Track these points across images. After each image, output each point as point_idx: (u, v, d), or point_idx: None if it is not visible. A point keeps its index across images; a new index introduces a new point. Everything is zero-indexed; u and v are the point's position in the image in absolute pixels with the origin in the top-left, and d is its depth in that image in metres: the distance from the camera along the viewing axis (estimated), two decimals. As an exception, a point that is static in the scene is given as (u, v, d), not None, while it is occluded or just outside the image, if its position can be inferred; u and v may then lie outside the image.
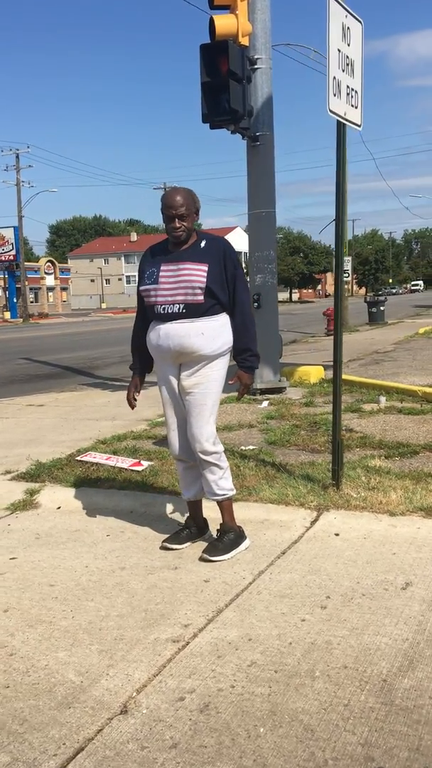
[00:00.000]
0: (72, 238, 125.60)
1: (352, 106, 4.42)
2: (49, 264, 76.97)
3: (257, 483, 4.78)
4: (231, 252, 3.73)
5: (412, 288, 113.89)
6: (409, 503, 4.22)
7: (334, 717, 2.27)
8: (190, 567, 3.62)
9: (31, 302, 65.01)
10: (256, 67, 8.57)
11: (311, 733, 2.19)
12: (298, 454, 5.68)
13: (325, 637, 2.80)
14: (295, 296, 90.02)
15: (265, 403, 8.15)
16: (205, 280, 3.57)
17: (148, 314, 3.76)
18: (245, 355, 3.78)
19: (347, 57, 4.33)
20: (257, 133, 8.63)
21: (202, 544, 3.92)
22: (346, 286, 24.13)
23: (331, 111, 4.16)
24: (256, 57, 8.58)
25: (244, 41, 8.15)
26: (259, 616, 3.02)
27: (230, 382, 3.80)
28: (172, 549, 3.85)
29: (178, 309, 3.58)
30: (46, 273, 75.18)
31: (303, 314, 40.73)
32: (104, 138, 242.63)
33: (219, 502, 3.80)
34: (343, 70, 4.28)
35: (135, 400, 4.04)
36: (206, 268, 3.59)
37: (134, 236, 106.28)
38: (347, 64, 4.33)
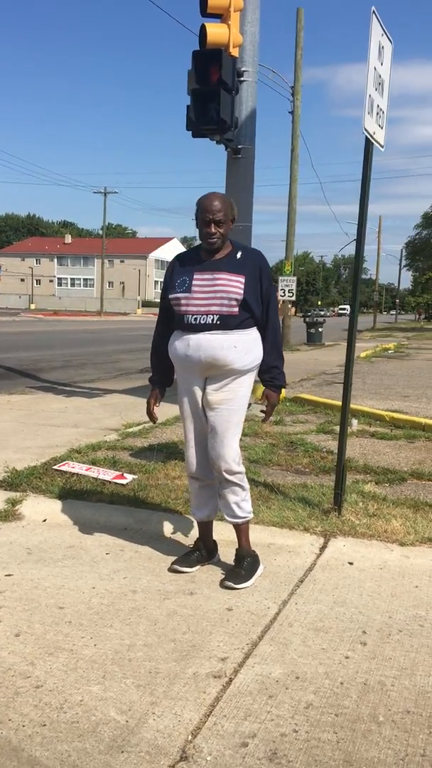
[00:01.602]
0: (3, 234, 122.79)
1: (380, 126, 4.36)
2: (-22, 259, 74.88)
3: (254, 504, 4.57)
4: (266, 266, 3.59)
5: (340, 312, 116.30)
6: (417, 534, 4.15)
7: (415, 769, 2.13)
8: (207, 593, 3.42)
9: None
10: (242, 79, 8.48)
11: (398, 788, 2.04)
12: (285, 475, 5.55)
13: (375, 677, 2.66)
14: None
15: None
16: (242, 292, 3.40)
17: (174, 323, 3.56)
18: (274, 373, 3.63)
19: (380, 76, 4.27)
20: (239, 146, 8.53)
21: (212, 568, 3.74)
22: (290, 306, 24.33)
23: (365, 129, 4.09)
24: (243, 69, 8.49)
25: (234, 52, 8.05)
26: (298, 651, 2.85)
27: (258, 401, 3.64)
28: (182, 572, 3.64)
29: (212, 320, 3.40)
30: (-26, 268, 73.13)
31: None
32: (45, 136, 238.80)
33: (237, 525, 3.62)
34: (376, 89, 4.22)
35: (155, 414, 3.81)
36: (243, 280, 3.43)
37: (68, 238, 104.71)
38: (379, 84, 4.28)
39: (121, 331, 32.38)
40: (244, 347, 3.45)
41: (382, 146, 4.47)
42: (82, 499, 4.72)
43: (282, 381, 3.67)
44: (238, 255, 3.52)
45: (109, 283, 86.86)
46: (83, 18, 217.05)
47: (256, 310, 3.47)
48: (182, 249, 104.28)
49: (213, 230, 3.43)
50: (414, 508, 4.66)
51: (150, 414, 3.81)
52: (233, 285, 3.40)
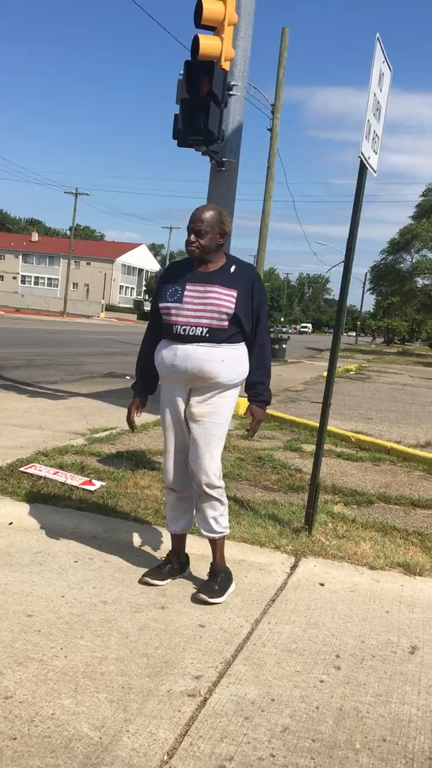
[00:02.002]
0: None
1: (374, 151, 4.40)
2: None
3: (224, 519, 4.58)
4: (259, 281, 3.57)
5: (301, 330, 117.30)
6: (386, 558, 4.16)
7: (394, 799, 2.11)
8: (179, 607, 3.37)
9: None
10: (231, 93, 8.50)
11: None
12: (254, 491, 5.53)
13: (351, 703, 2.64)
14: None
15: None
16: (233, 306, 3.38)
17: (162, 332, 3.52)
18: (260, 389, 3.61)
19: (378, 102, 4.31)
20: (224, 159, 8.55)
21: (183, 582, 3.69)
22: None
23: (361, 153, 4.12)
24: (232, 83, 8.51)
25: (226, 66, 8.08)
26: (273, 672, 2.82)
27: (243, 415, 3.61)
28: (153, 584, 3.58)
29: (201, 332, 3.37)
30: None
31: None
32: (23, 133, 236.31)
33: (213, 540, 3.58)
34: (374, 115, 4.26)
35: (135, 423, 3.76)
36: (235, 294, 3.40)
37: (35, 236, 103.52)
38: (377, 110, 4.32)
39: (85, 333, 32.10)
40: (231, 362, 3.43)
41: (375, 171, 4.51)
42: (50, 504, 4.63)
43: (267, 397, 3.64)
44: (232, 269, 3.50)
45: (74, 284, 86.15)
46: (71, 15, 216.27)
47: (245, 326, 3.45)
48: (150, 256, 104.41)
49: (192, 239, 3.42)
50: (382, 531, 4.68)
51: (130, 422, 3.76)
52: (225, 299, 3.38)
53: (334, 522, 4.76)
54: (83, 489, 5.00)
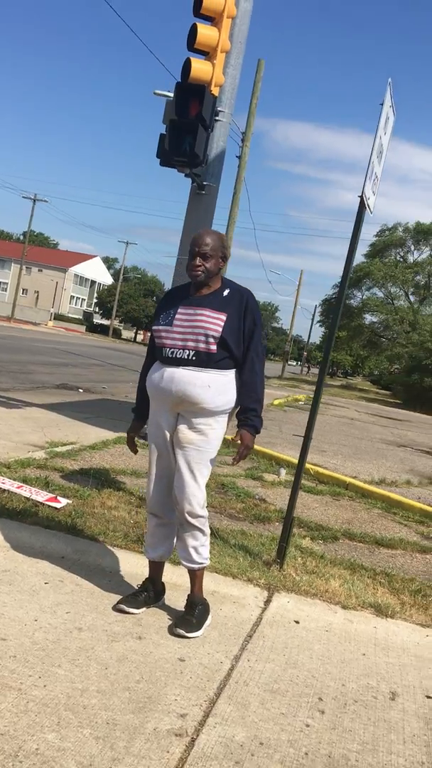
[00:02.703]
0: None
1: (373, 192, 4.45)
2: None
3: (195, 546, 4.50)
4: (253, 305, 3.52)
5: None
6: (357, 598, 4.15)
7: None
8: (156, 639, 3.27)
9: None
10: (218, 119, 8.55)
11: None
12: (220, 518, 5.47)
13: (339, 750, 2.59)
14: (140, 337, 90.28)
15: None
16: (220, 330, 3.33)
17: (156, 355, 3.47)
18: (250, 415, 3.54)
19: (381, 145, 4.37)
20: (205, 183, 8.57)
21: (158, 611, 3.59)
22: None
23: (363, 194, 4.16)
24: (219, 110, 8.56)
25: (215, 91, 8.13)
26: (258, 714, 2.75)
27: (231, 439, 3.54)
28: (129, 613, 3.47)
29: (188, 355, 3.32)
30: None
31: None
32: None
33: (192, 571, 3.50)
34: (377, 157, 4.32)
35: (136, 447, 3.69)
36: (224, 318, 3.35)
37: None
38: (380, 152, 4.38)
39: (35, 341, 31.58)
40: (218, 387, 3.36)
41: (371, 211, 4.56)
42: (16, 520, 4.47)
43: (258, 423, 3.57)
44: (225, 292, 3.46)
45: (24, 290, 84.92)
46: (45, 19, 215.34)
47: (235, 350, 3.38)
48: (104, 269, 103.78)
49: (198, 263, 3.38)
50: (350, 569, 4.68)
51: (131, 445, 3.69)
52: (212, 322, 3.33)
53: (303, 557, 4.73)
54: (49, 506, 4.85)
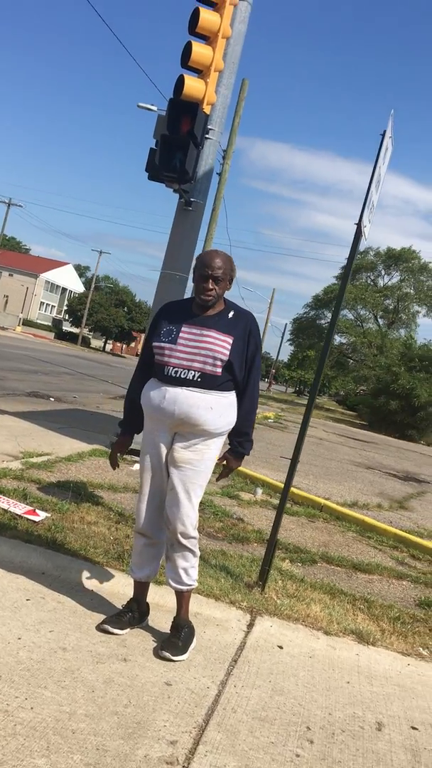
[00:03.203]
0: None
1: (369, 220, 4.49)
2: None
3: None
4: (256, 330, 3.54)
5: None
6: (339, 624, 4.14)
7: None
8: (142, 661, 3.22)
9: None
10: (207, 137, 8.59)
11: None
12: (199, 538, 5.41)
13: (330, 781, 2.57)
14: (109, 347, 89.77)
15: (137, 466, 7.79)
16: (228, 353, 3.32)
17: (153, 372, 3.42)
18: (242, 440, 3.56)
19: (379, 174, 4.42)
20: (192, 199, 8.58)
21: (142, 632, 3.54)
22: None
23: (360, 221, 4.20)
24: (209, 128, 8.60)
25: (207, 109, 8.17)
26: (248, 742, 2.72)
27: (218, 461, 3.52)
28: (113, 633, 3.41)
29: (193, 376, 3.29)
30: None
31: (126, 368, 40.51)
32: None
33: (180, 593, 3.46)
34: (375, 186, 4.36)
35: (118, 462, 3.61)
36: (231, 341, 3.35)
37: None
38: (378, 181, 4.42)
39: (4, 347, 31.17)
40: (219, 410, 3.35)
41: (366, 239, 4.61)
42: (-5, 532, 4.38)
43: (247, 449, 3.60)
44: (230, 314, 3.45)
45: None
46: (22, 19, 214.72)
47: (238, 374, 3.39)
48: (76, 277, 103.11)
49: (210, 286, 3.35)
50: (330, 594, 4.67)
51: (114, 461, 3.61)
52: (220, 344, 3.32)
53: (283, 579, 4.72)
54: (27, 519, 4.77)
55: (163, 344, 3.35)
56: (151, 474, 3.45)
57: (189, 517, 3.35)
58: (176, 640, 3.37)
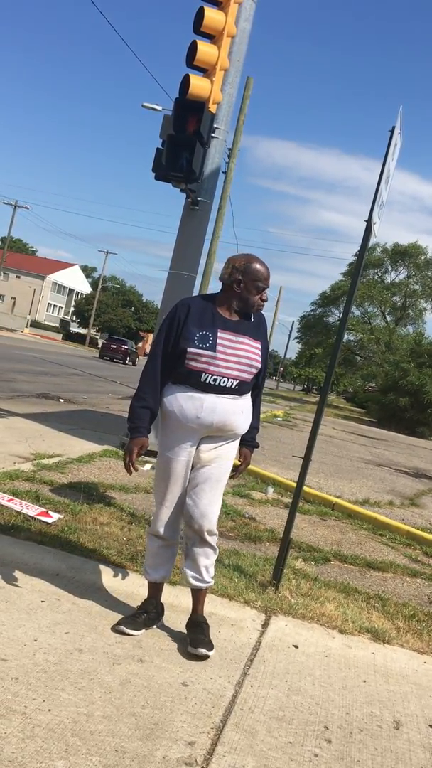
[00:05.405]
0: None
1: (379, 217, 4.47)
2: None
3: (189, 566, 4.45)
4: (266, 330, 3.58)
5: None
6: (354, 623, 4.12)
7: None
8: (158, 662, 3.22)
9: None
10: (214, 136, 8.58)
11: None
12: (211, 538, 5.42)
13: (349, 781, 2.56)
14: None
15: (148, 467, 7.80)
16: (261, 360, 3.40)
17: (179, 377, 3.30)
18: (254, 434, 3.68)
19: (389, 171, 4.40)
20: (199, 199, 8.57)
21: (157, 632, 3.53)
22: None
23: (369, 218, 4.18)
24: (216, 127, 8.59)
25: (213, 108, 8.16)
26: (266, 742, 2.71)
27: (237, 461, 3.59)
28: (128, 634, 3.41)
29: (231, 384, 3.28)
30: None
31: (133, 367, 40.52)
32: None
33: (199, 590, 3.47)
34: (385, 183, 4.34)
35: (136, 467, 3.54)
36: (260, 347, 3.40)
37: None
38: (387, 178, 4.41)
39: (13, 348, 31.24)
40: (247, 413, 3.45)
41: (376, 236, 4.59)
42: (9, 535, 4.39)
43: (256, 441, 3.71)
44: (252, 318, 3.45)
45: (0, 296, 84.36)
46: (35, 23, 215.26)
47: (259, 377, 3.47)
48: (83, 278, 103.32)
49: (265, 297, 3.41)
50: (344, 593, 4.66)
51: (131, 466, 3.45)
52: (254, 352, 3.37)
53: (297, 578, 4.71)
54: (40, 520, 4.78)
55: (200, 351, 3.22)
56: (174, 480, 3.38)
57: (215, 514, 3.39)
58: (203, 636, 3.38)
